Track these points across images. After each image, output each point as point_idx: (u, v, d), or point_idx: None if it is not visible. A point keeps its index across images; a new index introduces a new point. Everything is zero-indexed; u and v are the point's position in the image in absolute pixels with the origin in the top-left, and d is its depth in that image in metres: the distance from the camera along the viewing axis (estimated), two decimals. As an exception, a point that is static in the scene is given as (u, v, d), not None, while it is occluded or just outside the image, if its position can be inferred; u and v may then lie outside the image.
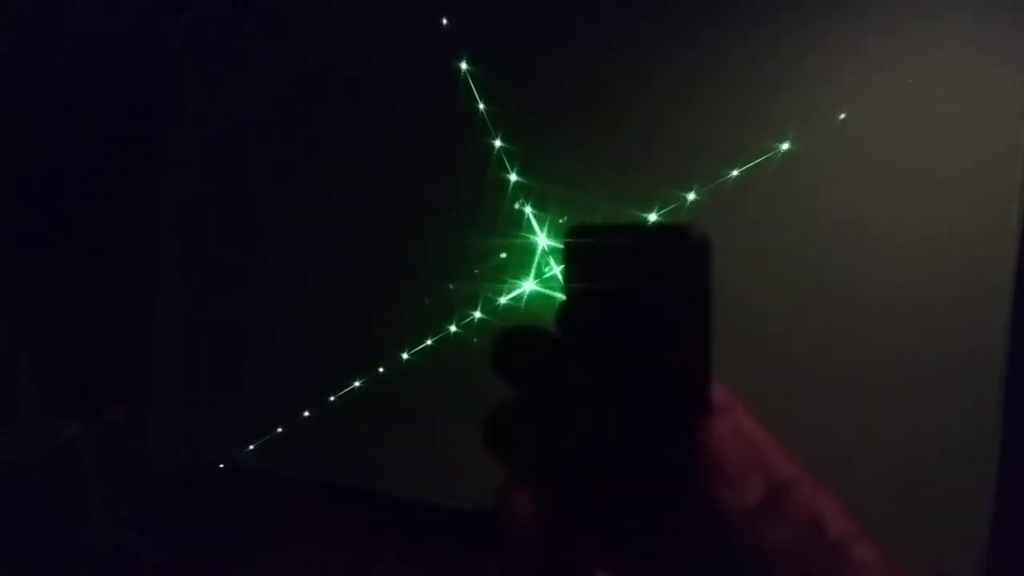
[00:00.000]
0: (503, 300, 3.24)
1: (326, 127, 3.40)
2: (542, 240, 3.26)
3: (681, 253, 0.45)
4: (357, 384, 3.46)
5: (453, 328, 3.24)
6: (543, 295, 3.24)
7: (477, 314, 3.21)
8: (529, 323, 0.54)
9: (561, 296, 0.52)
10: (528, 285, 3.22)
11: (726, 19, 2.87)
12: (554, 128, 3.02)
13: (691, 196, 2.95)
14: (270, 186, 3.48)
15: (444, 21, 3.08)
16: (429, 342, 3.26)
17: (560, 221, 3.09)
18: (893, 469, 2.90)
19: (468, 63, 3.08)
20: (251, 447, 3.55)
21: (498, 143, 3.20)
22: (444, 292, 3.22)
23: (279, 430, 3.60)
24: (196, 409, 3.63)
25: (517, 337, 0.53)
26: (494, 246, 3.30)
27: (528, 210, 3.21)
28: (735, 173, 2.92)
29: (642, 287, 0.47)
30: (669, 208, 2.97)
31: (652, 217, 2.94)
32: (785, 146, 2.86)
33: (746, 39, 2.86)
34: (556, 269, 3.17)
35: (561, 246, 0.54)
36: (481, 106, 3.16)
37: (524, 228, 3.24)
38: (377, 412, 3.39)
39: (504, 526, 0.54)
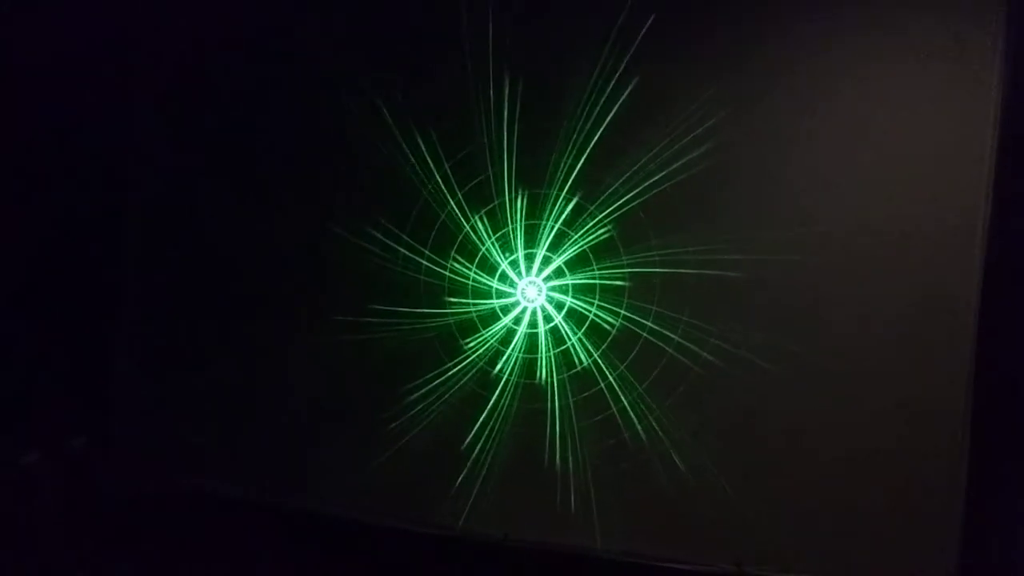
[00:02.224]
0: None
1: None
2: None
3: None
4: (316, 409, 3.43)
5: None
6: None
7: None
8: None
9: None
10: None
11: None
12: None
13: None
14: (229, 229, 3.49)
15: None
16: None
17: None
18: (866, 470, 2.97)
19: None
20: (211, 473, 3.50)
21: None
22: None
23: (240, 456, 3.52)
24: (155, 437, 3.60)
25: None
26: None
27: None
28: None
29: None
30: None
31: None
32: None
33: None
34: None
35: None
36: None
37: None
38: (337, 437, 3.42)
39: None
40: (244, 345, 3.53)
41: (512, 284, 3.35)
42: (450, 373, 3.35)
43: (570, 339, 3.28)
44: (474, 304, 3.36)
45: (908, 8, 2.88)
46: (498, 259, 3.34)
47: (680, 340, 3.13)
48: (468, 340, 3.36)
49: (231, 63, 3.49)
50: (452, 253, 3.36)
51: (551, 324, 3.31)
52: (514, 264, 3.34)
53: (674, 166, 3.10)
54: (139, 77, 3.56)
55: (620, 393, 3.20)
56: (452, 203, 3.32)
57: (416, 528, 3.35)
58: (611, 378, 3.22)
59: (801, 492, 3.03)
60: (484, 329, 3.36)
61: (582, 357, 3.26)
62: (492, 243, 3.33)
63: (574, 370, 3.26)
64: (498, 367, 3.33)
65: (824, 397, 3.00)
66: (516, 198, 3.28)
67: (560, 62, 3.16)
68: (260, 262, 3.52)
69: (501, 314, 3.36)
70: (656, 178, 3.14)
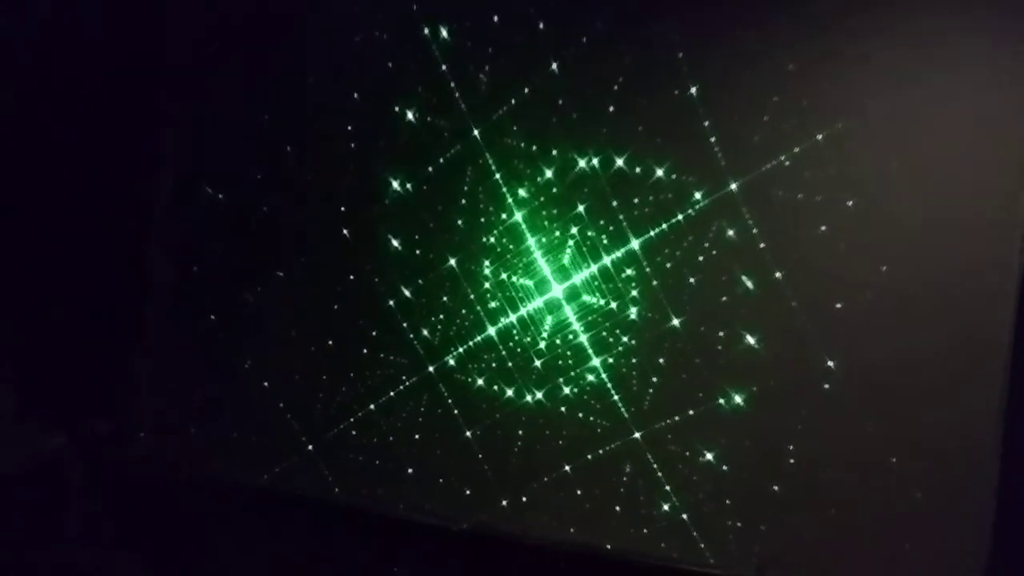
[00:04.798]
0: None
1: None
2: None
3: None
4: (343, 400, 3.32)
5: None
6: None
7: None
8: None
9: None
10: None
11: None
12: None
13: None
14: (260, 202, 3.29)
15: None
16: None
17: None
18: (896, 467, 2.82)
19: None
20: (233, 462, 3.43)
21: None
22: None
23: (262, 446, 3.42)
24: (181, 423, 3.51)
25: None
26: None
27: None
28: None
29: None
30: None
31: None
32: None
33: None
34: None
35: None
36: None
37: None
38: (363, 428, 3.31)
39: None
40: (272, 333, 3.40)
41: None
42: (465, 371, 3.22)
43: (592, 354, 3.08)
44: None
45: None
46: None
47: (707, 341, 2.94)
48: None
49: (259, 57, 3.23)
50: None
51: (571, 328, 3.08)
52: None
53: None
54: (165, 71, 3.37)
55: (640, 396, 3.04)
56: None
57: (438, 522, 3.29)
58: (633, 378, 3.04)
59: (825, 496, 2.89)
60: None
61: (594, 360, 3.08)
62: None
63: (591, 368, 3.08)
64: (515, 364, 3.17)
65: (852, 400, 2.82)
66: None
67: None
68: (288, 254, 3.33)
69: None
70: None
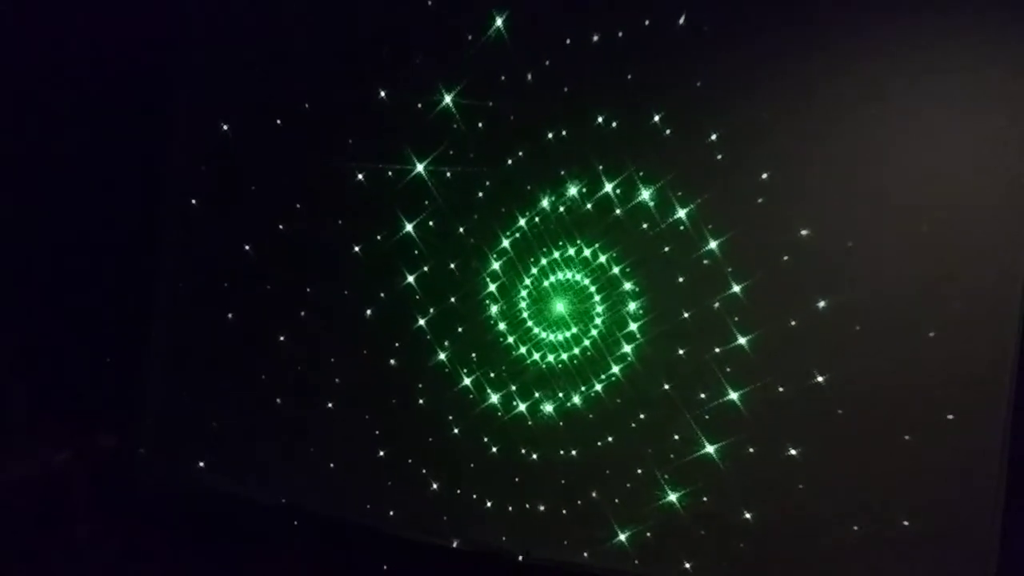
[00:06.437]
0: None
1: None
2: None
3: None
4: (340, 411, 3.38)
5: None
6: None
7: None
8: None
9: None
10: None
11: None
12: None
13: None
14: (267, 224, 3.36)
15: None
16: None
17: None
18: (902, 487, 2.84)
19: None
20: (239, 474, 3.49)
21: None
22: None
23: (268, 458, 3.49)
24: (186, 436, 3.58)
25: None
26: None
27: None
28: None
29: None
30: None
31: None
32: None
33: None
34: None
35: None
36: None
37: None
38: (364, 442, 3.38)
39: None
40: (274, 348, 3.47)
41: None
42: (472, 388, 3.27)
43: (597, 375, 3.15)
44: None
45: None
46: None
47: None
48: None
49: (268, 67, 3.35)
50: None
51: (581, 347, 3.15)
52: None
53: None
54: (173, 83, 3.48)
55: (644, 413, 3.10)
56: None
57: (440, 542, 3.32)
58: (639, 396, 3.10)
59: (833, 509, 2.93)
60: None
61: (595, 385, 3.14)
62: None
63: (601, 387, 3.14)
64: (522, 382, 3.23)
65: (858, 413, 2.87)
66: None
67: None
68: (291, 265, 3.43)
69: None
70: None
